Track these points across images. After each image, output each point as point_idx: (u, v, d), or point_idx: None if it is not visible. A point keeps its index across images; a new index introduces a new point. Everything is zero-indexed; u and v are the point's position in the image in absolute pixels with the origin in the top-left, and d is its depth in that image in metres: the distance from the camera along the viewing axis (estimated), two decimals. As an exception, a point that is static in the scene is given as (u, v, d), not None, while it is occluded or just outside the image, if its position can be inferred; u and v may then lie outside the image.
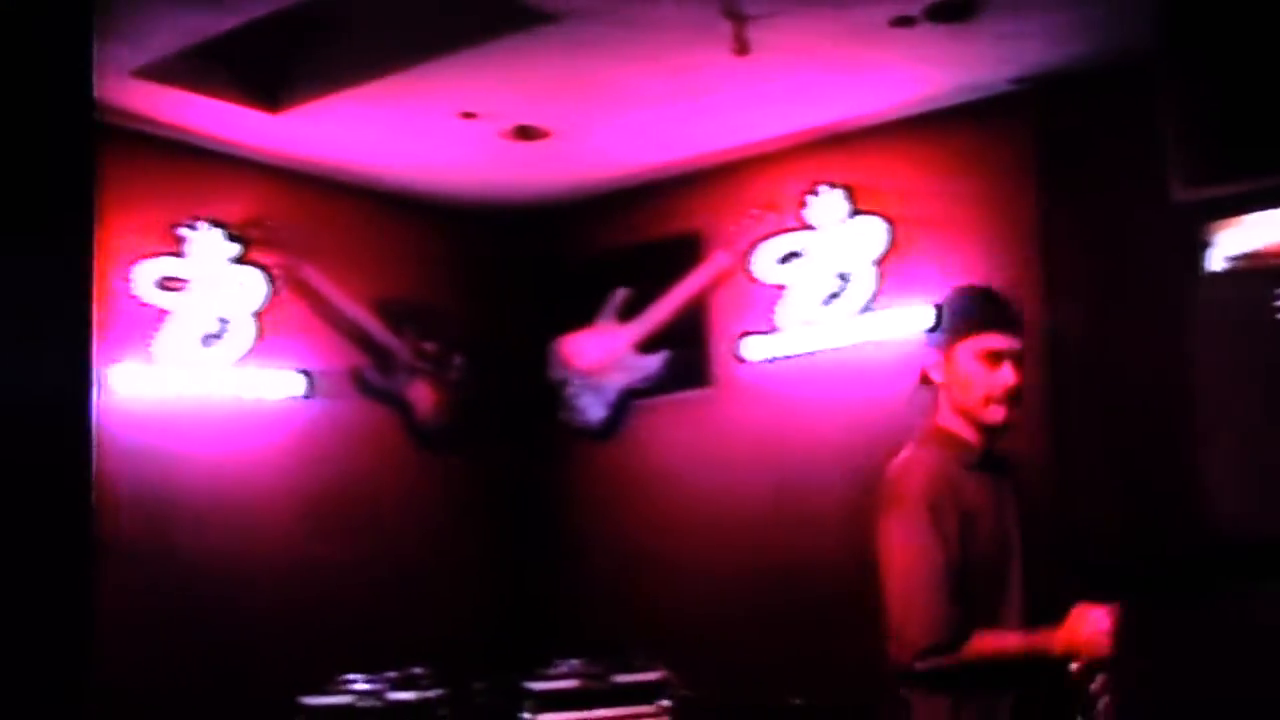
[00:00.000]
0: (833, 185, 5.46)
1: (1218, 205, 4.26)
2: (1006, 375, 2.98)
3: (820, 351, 5.49)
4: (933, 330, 3.15)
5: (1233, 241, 4.29)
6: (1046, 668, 2.91)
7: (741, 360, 5.67)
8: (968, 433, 3.02)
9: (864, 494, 5.25)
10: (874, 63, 4.84)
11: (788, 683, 5.09)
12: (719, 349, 5.79)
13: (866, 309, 5.39)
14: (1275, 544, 4.06)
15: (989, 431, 3.02)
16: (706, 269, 5.82)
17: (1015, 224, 5.14)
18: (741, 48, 4.49)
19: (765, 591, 5.54)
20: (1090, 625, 2.89)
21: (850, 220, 5.43)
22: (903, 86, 5.09)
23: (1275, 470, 4.13)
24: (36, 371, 1.71)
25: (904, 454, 3.10)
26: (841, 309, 5.44)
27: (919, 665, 2.96)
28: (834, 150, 5.52)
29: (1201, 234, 4.31)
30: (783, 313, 5.56)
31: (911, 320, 5.27)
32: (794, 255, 5.56)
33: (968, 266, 5.25)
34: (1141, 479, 4.82)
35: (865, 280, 5.39)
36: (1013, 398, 3.00)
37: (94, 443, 1.76)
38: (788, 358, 5.56)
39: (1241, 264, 4.26)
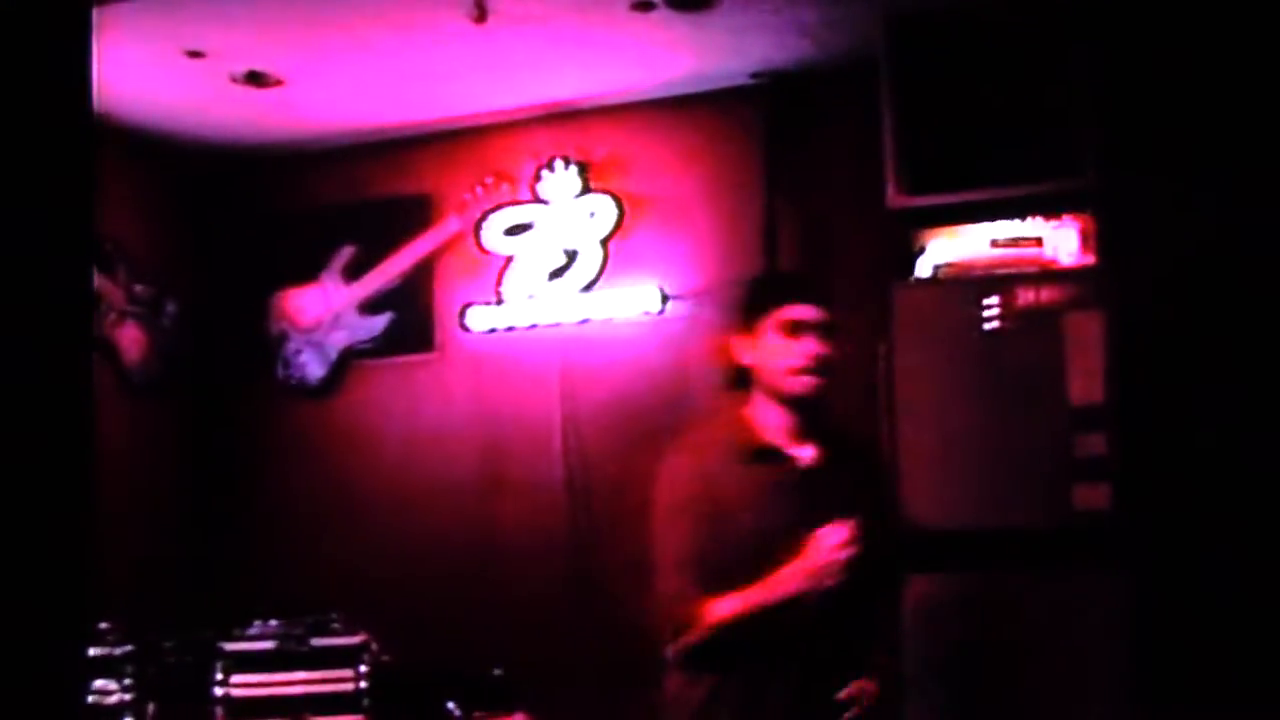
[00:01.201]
0: (567, 161, 5.47)
1: (929, 214, 4.42)
2: (810, 345, 2.98)
3: (543, 326, 5.50)
4: (738, 313, 3.11)
5: (942, 251, 4.46)
6: (794, 608, 2.88)
7: (465, 328, 5.63)
8: (770, 418, 3.02)
9: (578, 468, 5.44)
10: (614, 43, 4.86)
11: (490, 652, 5.09)
12: (443, 315, 5.74)
13: (592, 287, 5.42)
14: (964, 535, 4.26)
15: (798, 407, 3.00)
16: (436, 233, 5.75)
17: (742, 215, 5.24)
18: (480, 14, 4.46)
19: (473, 561, 5.54)
20: (823, 546, 2.86)
21: (582, 197, 5.45)
22: (642, 69, 5.12)
23: (971, 468, 4.32)
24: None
25: (672, 451, 3.12)
26: (567, 285, 5.45)
27: (670, 655, 2.99)
28: (571, 126, 5.53)
29: (912, 241, 4.47)
30: (508, 284, 5.55)
31: (636, 300, 5.33)
32: (523, 227, 5.55)
33: (695, 252, 5.34)
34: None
35: (592, 258, 5.42)
36: (821, 368, 3.00)
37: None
38: (510, 329, 5.55)
39: (948, 273, 4.43)
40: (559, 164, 5.48)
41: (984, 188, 4.33)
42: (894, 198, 4.40)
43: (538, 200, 5.53)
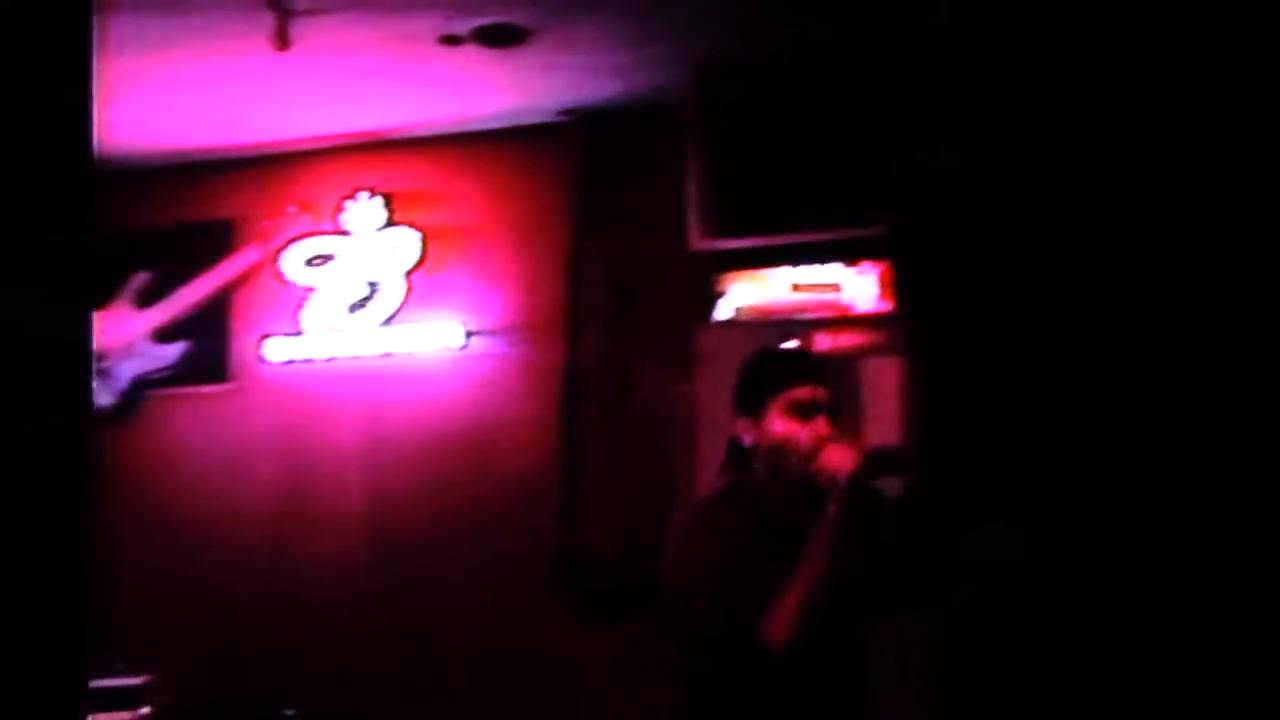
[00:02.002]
0: (371, 192, 5.39)
1: (731, 258, 4.48)
2: (819, 427, 2.93)
3: (343, 358, 5.41)
4: (741, 394, 3.07)
5: (743, 294, 4.52)
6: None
7: (263, 359, 5.50)
8: (771, 496, 2.96)
9: (380, 503, 5.36)
10: (421, 76, 4.81)
11: (287, 690, 4.98)
12: (240, 345, 5.60)
13: (393, 320, 5.34)
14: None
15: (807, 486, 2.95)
16: (235, 262, 5.61)
17: (548, 252, 5.23)
18: (283, 43, 4.36)
19: (271, 597, 5.40)
20: (834, 454, 2.88)
21: (385, 229, 5.38)
22: (450, 102, 5.08)
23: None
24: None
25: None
26: (368, 318, 5.37)
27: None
28: (376, 157, 5.46)
29: (715, 283, 4.52)
30: (308, 315, 5.44)
31: (438, 336, 5.28)
32: (325, 258, 5.45)
33: (499, 289, 5.31)
34: (645, 508, 5.01)
35: (395, 291, 5.35)
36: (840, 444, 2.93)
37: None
38: (309, 361, 5.44)
39: (748, 316, 4.49)
40: (363, 195, 5.40)
41: (785, 233, 4.41)
42: (697, 240, 4.45)
43: (340, 231, 5.44)
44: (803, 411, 2.95)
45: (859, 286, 4.44)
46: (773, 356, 3.19)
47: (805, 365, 3.10)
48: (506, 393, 5.25)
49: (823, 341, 4.39)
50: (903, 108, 4.41)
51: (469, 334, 5.27)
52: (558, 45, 4.57)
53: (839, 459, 2.87)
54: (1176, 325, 4.12)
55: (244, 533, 5.51)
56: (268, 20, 4.26)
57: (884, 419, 4.25)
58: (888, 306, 4.41)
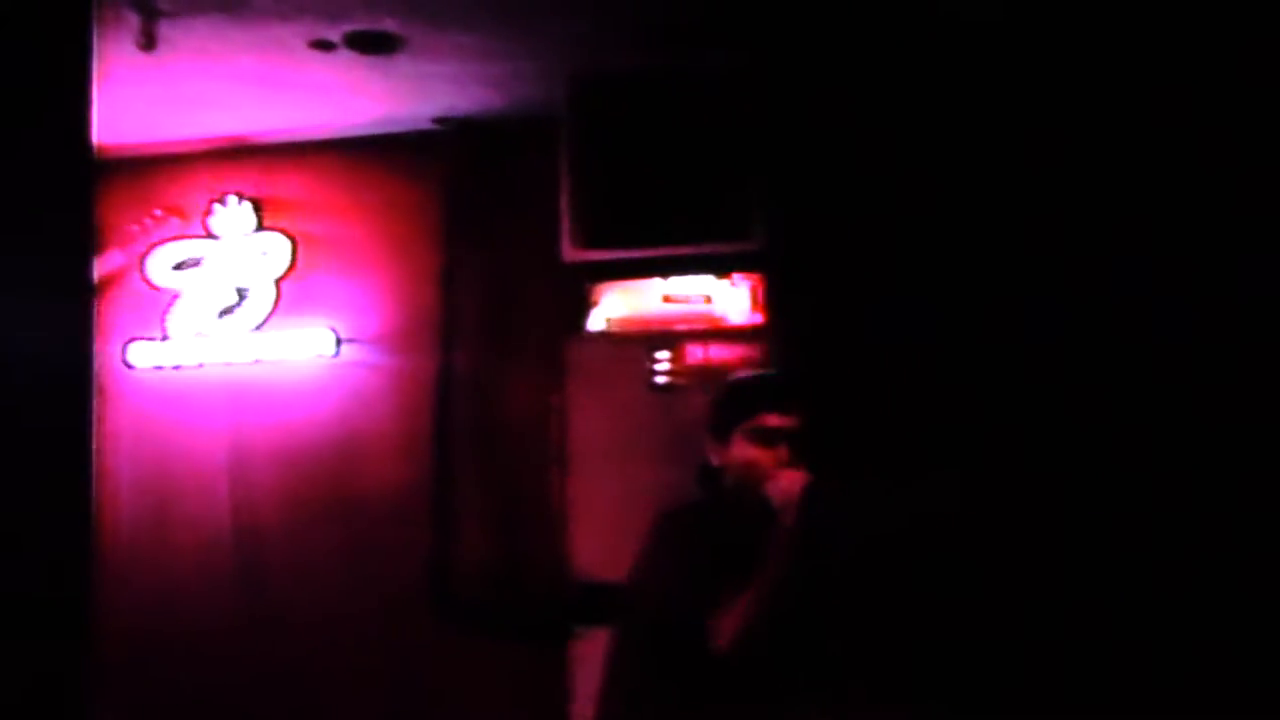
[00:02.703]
0: (241, 197, 5.31)
1: (603, 269, 4.48)
2: (781, 453, 3.13)
3: (211, 364, 5.31)
4: (712, 417, 3.26)
5: (615, 305, 4.52)
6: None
7: (128, 365, 5.38)
8: (732, 515, 3.14)
9: (247, 511, 5.26)
10: (292, 81, 4.75)
11: (149, 705, 4.89)
12: (105, 351, 5.46)
13: (263, 326, 5.26)
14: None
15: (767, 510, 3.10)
16: (99, 265, 5.47)
17: (421, 261, 5.20)
18: (148, 42, 4.27)
19: (135, 606, 5.27)
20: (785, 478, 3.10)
21: (255, 235, 5.30)
22: (322, 109, 5.02)
23: (635, 520, 4.37)
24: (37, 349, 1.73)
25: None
26: (237, 324, 5.28)
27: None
28: (247, 162, 5.37)
29: (587, 295, 4.52)
30: (175, 321, 5.34)
31: (309, 343, 5.21)
32: (192, 263, 5.35)
33: (371, 297, 5.26)
34: (517, 521, 4.99)
35: (264, 297, 5.27)
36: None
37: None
38: (176, 367, 5.34)
39: (620, 327, 4.49)
40: (232, 199, 5.31)
41: (657, 245, 4.42)
42: (569, 251, 4.45)
43: (209, 235, 5.34)
44: (765, 438, 3.16)
45: (731, 299, 4.47)
46: (741, 385, 3.36)
47: (770, 395, 3.25)
48: (378, 403, 5.20)
49: (694, 354, 4.40)
50: (776, 124, 4.46)
51: (340, 342, 5.21)
52: (432, 54, 4.53)
53: (789, 483, 3.08)
54: (1040, 332, 4.26)
55: (107, 539, 5.37)
56: (132, 21, 4.18)
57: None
58: (759, 319, 4.44)
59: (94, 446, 1.81)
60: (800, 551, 3.06)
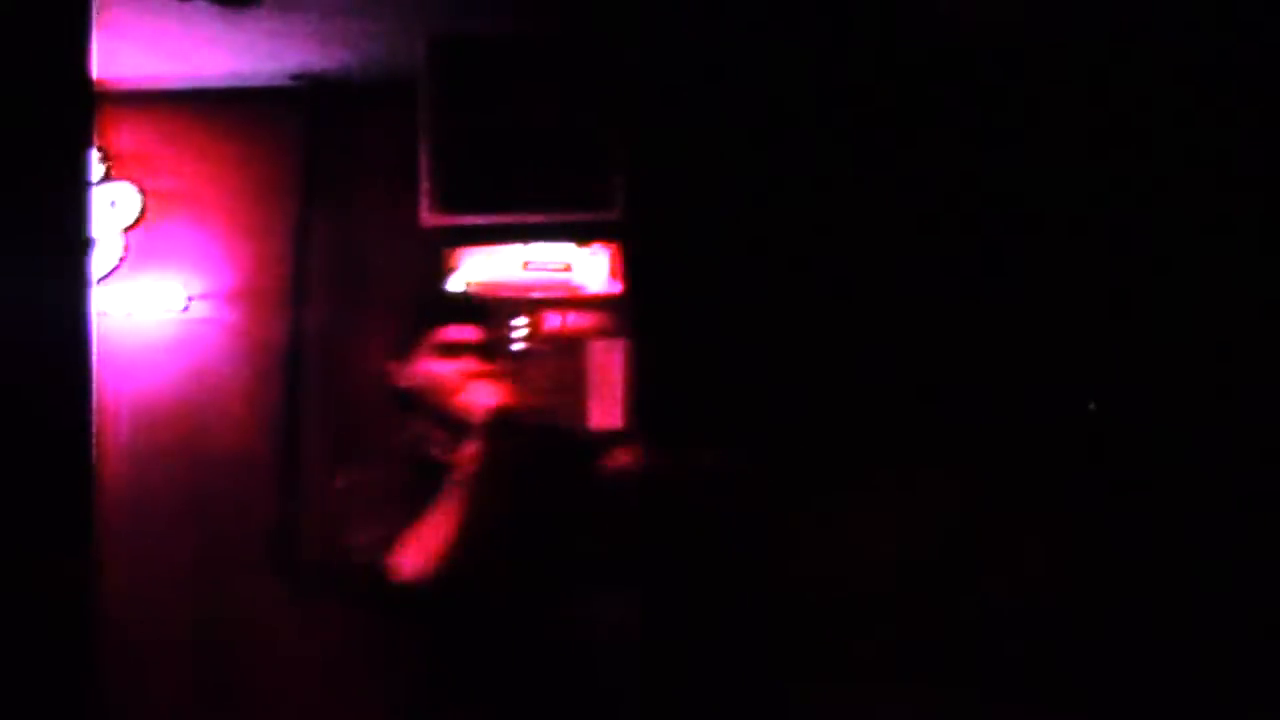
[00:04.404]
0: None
1: (461, 233, 4.48)
2: (469, 364, 3.06)
3: (52, 317, 5.17)
4: (398, 338, 3.21)
5: (473, 270, 4.51)
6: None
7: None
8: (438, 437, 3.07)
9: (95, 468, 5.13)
10: (142, 29, 4.61)
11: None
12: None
13: (108, 279, 5.14)
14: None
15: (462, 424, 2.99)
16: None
17: (276, 218, 5.10)
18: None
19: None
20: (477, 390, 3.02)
21: (102, 185, 5.16)
22: (174, 59, 4.88)
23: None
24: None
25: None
26: (82, 276, 5.15)
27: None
28: (96, 110, 5.21)
29: (444, 258, 4.50)
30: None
31: (156, 298, 5.11)
32: (36, 212, 5.20)
33: (223, 253, 5.17)
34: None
35: (111, 249, 5.14)
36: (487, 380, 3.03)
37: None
38: (18, 319, 5.19)
39: (477, 292, 4.49)
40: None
41: (517, 211, 4.42)
42: (427, 215, 4.43)
43: (53, 185, 5.19)
44: (448, 351, 3.10)
45: (590, 268, 4.49)
46: (421, 303, 3.35)
47: (449, 309, 3.25)
48: (227, 361, 5.11)
49: (553, 320, 4.43)
50: (635, 92, 4.48)
51: (189, 298, 5.11)
52: (290, 8, 4.44)
53: (481, 395, 3.00)
54: (890, 301, 4.39)
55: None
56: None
57: (608, 400, 4.33)
58: (617, 288, 4.47)
59: (93, 404, 1.79)
60: (493, 469, 2.96)
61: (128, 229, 5.16)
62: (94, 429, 1.79)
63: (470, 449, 2.95)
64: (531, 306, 4.42)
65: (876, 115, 4.45)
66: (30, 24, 1.67)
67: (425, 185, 4.42)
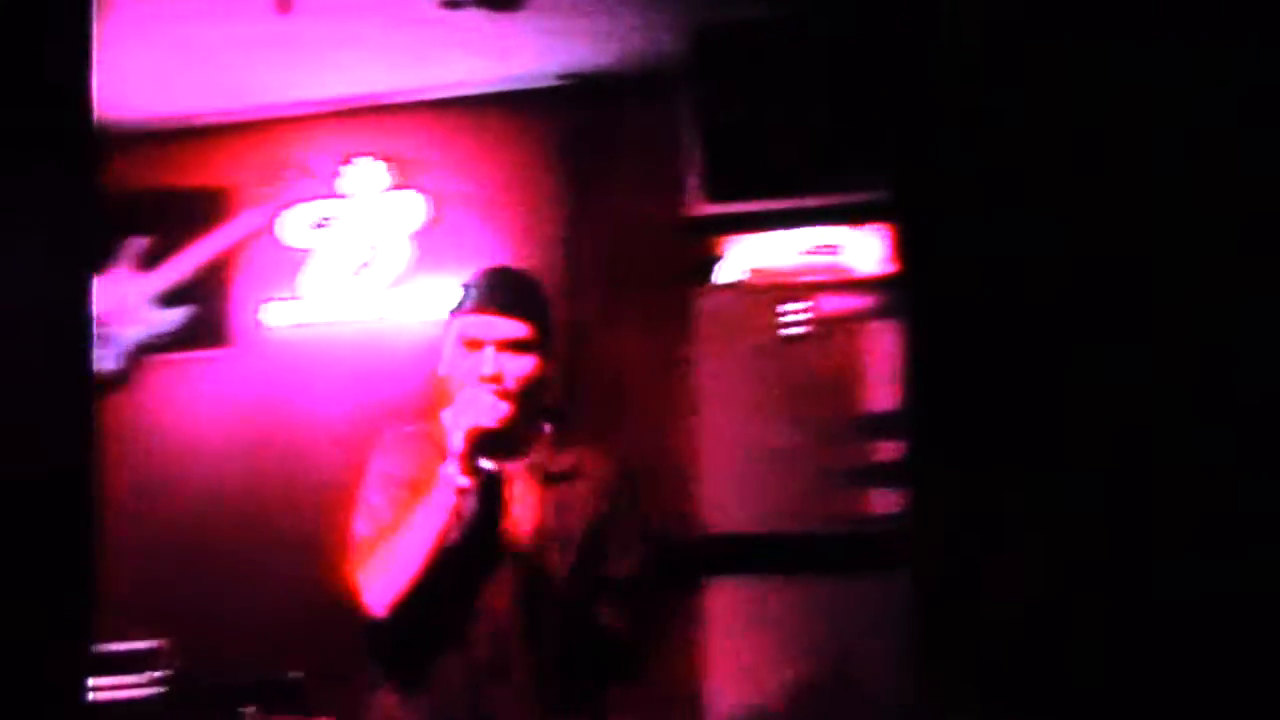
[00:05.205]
0: (372, 155, 5.39)
1: (730, 221, 4.48)
2: (484, 363, 2.59)
3: (345, 322, 5.41)
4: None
5: (743, 258, 4.52)
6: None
7: (263, 324, 5.51)
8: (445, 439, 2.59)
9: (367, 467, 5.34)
10: (421, 39, 4.80)
11: (288, 654, 5.00)
12: (240, 309, 5.60)
13: (395, 284, 5.35)
14: (761, 540, 4.33)
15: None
16: (235, 226, 5.61)
17: (545, 216, 5.23)
18: (283, 4, 4.36)
19: (271, 562, 5.41)
20: (470, 402, 2.55)
21: (387, 193, 5.38)
22: (448, 66, 5.07)
23: (769, 474, 4.40)
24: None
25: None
26: (370, 282, 5.37)
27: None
28: (376, 120, 5.44)
29: (715, 247, 4.52)
30: (308, 279, 5.44)
31: (440, 300, 5.27)
32: (326, 222, 5.45)
33: (499, 252, 5.30)
34: (647, 476, 5.01)
35: (398, 255, 5.35)
36: (510, 390, 2.58)
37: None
38: (311, 325, 5.45)
39: (749, 280, 4.49)
40: (363, 158, 5.39)
41: (785, 196, 4.41)
42: (695, 204, 4.45)
43: (341, 195, 5.43)
44: (472, 345, 2.63)
45: (862, 249, 4.44)
46: (473, 279, 2.77)
47: (491, 289, 2.70)
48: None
49: (825, 304, 4.40)
50: (905, 67, 4.40)
51: (470, 298, 5.27)
52: (555, 9, 4.55)
53: (471, 411, 2.50)
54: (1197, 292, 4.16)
55: (242, 498, 5.52)
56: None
57: (884, 382, 4.27)
58: (891, 269, 4.41)
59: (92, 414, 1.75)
60: (478, 507, 2.52)
61: (410, 236, 5.36)
62: (93, 433, 1.72)
63: (447, 471, 2.50)
64: (803, 291, 4.39)
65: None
66: (27, 28, 1.66)
67: (694, 174, 4.44)
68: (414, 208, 5.35)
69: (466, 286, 2.76)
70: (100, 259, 5.72)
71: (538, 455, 2.67)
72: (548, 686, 2.58)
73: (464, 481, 2.50)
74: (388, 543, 2.60)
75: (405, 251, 5.35)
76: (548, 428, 2.74)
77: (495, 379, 2.57)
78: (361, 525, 2.71)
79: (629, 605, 2.62)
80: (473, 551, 2.56)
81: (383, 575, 2.57)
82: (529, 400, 2.64)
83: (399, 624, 2.57)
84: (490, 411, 2.51)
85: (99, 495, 1.71)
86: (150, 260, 5.73)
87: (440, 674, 2.61)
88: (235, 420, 5.58)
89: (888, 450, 4.24)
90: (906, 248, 4.41)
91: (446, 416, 2.53)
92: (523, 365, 2.62)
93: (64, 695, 1.66)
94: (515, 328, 2.62)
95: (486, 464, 2.54)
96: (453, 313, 2.73)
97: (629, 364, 5.06)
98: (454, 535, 2.53)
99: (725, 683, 4.32)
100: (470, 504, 2.54)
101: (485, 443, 2.50)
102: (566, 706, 2.60)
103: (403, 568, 2.53)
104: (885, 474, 4.23)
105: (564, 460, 2.71)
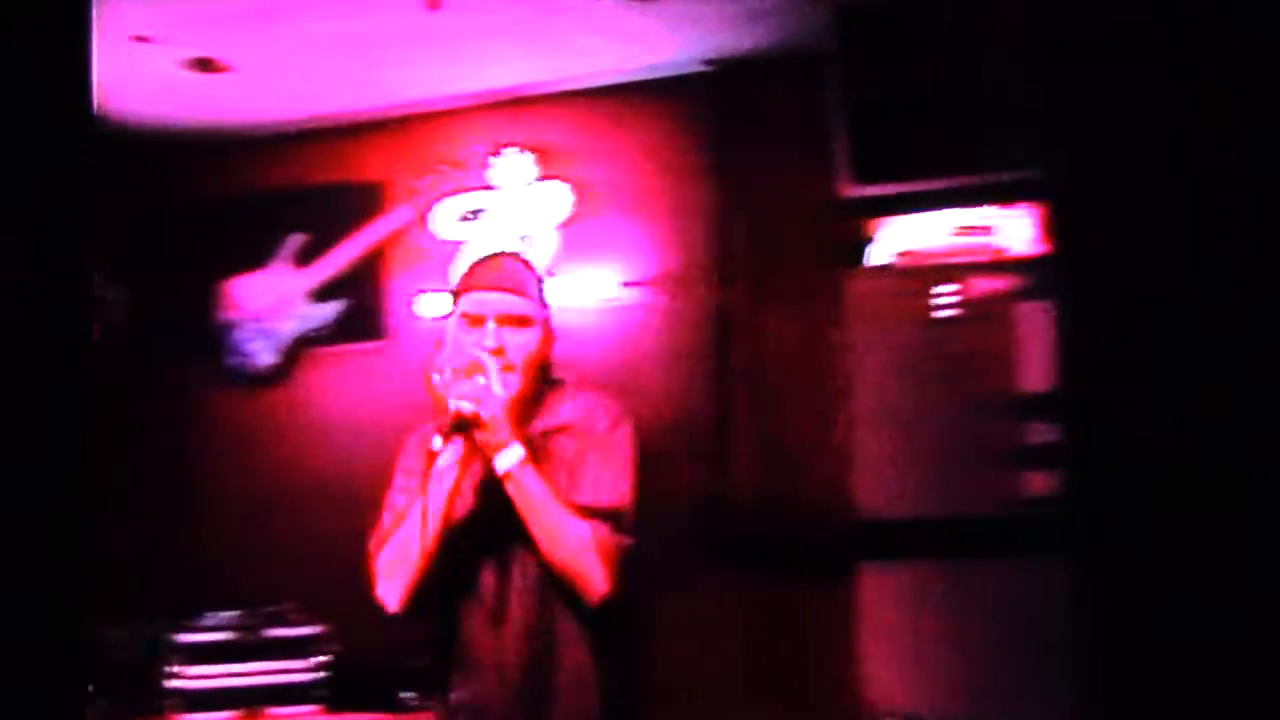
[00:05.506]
0: (519, 147, 5.44)
1: (882, 203, 4.44)
2: (485, 337, 2.63)
3: (495, 313, 5.47)
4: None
5: (894, 239, 4.47)
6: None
7: (417, 315, 5.60)
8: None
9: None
10: (567, 29, 4.84)
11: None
12: (394, 302, 5.71)
13: (546, 274, 5.39)
14: (914, 523, 4.29)
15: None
16: (387, 220, 5.72)
17: (694, 202, 5.24)
18: (433, 1, 4.43)
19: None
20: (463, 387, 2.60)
21: (534, 183, 5.43)
22: (594, 55, 5.11)
23: (921, 456, 4.35)
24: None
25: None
26: (519, 272, 5.43)
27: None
28: (522, 112, 5.50)
29: (865, 229, 4.48)
30: (460, 271, 5.51)
31: (591, 287, 5.32)
32: (475, 214, 5.52)
33: (648, 239, 5.34)
34: (799, 460, 5.01)
35: (546, 245, 5.40)
36: (510, 361, 2.62)
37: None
38: (463, 317, 5.52)
39: (901, 262, 4.45)
40: (511, 150, 5.45)
41: (936, 176, 4.35)
42: (846, 186, 4.42)
43: (489, 187, 5.50)
44: (473, 322, 2.65)
45: (1014, 229, 4.37)
46: (473, 263, 2.78)
47: (475, 273, 2.73)
48: (655, 344, 5.27)
49: (977, 285, 4.34)
50: (1054, 43, 4.32)
51: (621, 285, 5.30)
52: (698, -6, 4.57)
53: (461, 392, 2.53)
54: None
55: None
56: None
57: (1037, 363, 4.20)
58: (1043, 249, 4.33)
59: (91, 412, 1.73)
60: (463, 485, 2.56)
61: (559, 225, 5.41)
62: (90, 432, 1.69)
63: (444, 454, 2.57)
64: (955, 273, 4.34)
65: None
66: (24, 25, 1.64)
67: (843, 156, 4.40)
68: (560, 198, 5.40)
69: (465, 271, 2.82)
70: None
71: (540, 421, 2.73)
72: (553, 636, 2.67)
73: (438, 445, 2.55)
74: (396, 533, 2.69)
75: (552, 242, 5.40)
76: (548, 395, 2.80)
77: (498, 352, 2.62)
78: (383, 521, 2.82)
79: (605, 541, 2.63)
80: (475, 525, 2.65)
81: (394, 567, 2.68)
82: (530, 373, 2.70)
83: (413, 616, 2.71)
84: (477, 396, 2.56)
85: (99, 496, 1.69)
86: (306, 256, 5.87)
87: (470, 655, 2.72)
88: (390, 410, 5.67)
89: (1042, 432, 4.17)
90: (1058, 226, 4.33)
91: (438, 380, 2.59)
92: (524, 340, 2.69)
93: (62, 697, 1.65)
94: (516, 302, 2.69)
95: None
96: (454, 292, 2.76)
97: (780, 349, 5.05)
98: (455, 513, 2.61)
99: (883, 670, 4.29)
100: (465, 480, 2.61)
101: (466, 425, 2.56)
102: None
103: (410, 555, 2.62)
104: (1040, 456, 4.16)
105: (556, 417, 2.77)
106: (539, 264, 3.14)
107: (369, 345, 5.78)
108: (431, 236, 5.59)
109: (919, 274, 4.39)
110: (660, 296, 5.27)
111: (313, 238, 5.83)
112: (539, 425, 2.70)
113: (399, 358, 5.71)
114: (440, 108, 5.59)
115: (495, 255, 2.86)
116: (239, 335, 5.94)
